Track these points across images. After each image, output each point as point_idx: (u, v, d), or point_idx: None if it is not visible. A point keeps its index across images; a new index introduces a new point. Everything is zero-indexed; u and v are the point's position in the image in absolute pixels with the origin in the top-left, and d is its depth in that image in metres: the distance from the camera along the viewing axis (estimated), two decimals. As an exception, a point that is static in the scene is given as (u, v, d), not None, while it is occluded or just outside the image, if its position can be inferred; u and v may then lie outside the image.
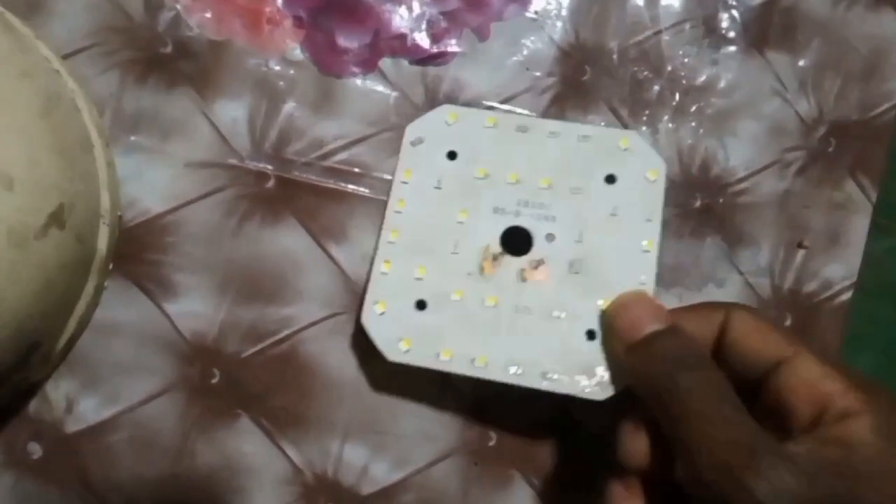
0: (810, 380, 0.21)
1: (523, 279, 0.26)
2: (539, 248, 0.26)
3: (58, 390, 0.27)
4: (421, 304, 0.26)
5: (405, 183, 0.27)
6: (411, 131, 0.27)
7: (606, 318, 0.25)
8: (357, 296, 0.28)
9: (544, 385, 0.25)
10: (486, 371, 0.25)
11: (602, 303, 0.25)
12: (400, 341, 0.25)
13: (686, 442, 0.20)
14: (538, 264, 0.26)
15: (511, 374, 0.25)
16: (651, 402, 0.22)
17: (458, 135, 0.27)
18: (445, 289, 0.26)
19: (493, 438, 0.28)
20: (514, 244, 0.26)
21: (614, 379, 0.25)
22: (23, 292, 0.22)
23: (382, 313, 0.25)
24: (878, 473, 0.19)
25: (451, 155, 0.27)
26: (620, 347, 0.23)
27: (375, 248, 0.26)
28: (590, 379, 0.25)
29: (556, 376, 0.25)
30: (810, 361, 0.21)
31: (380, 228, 0.26)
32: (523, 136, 0.27)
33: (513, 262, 0.26)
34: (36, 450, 0.27)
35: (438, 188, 0.27)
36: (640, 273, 0.26)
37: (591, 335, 0.25)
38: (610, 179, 0.27)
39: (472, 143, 0.27)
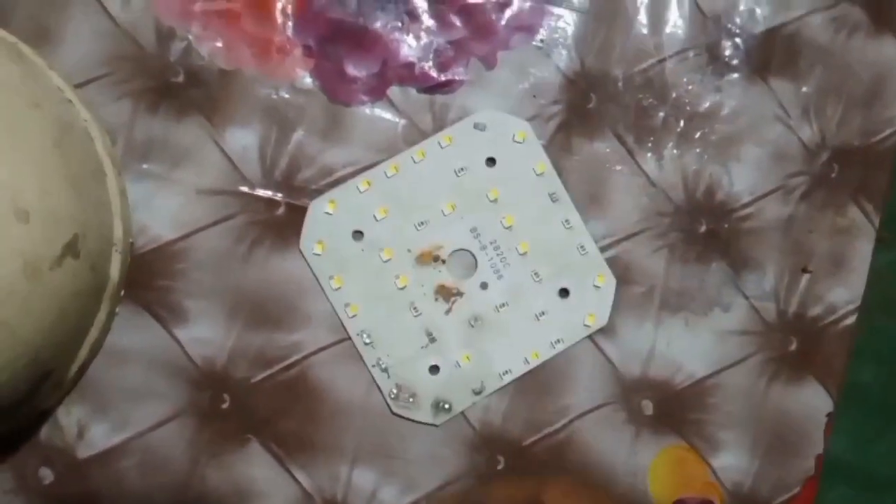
0: None
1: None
2: (483, 262, 0.28)
3: (69, 416, 0.27)
4: (434, 369, 0.28)
5: (340, 290, 0.28)
6: (305, 245, 0.28)
7: None
8: (365, 321, 0.28)
9: (559, 348, 0.28)
10: (512, 375, 0.28)
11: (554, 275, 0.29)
12: (439, 405, 0.28)
13: None
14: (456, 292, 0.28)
15: (531, 362, 0.28)
16: None
17: (347, 216, 0.28)
18: (443, 345, 0.28)
19: (500, 462, 0.28)
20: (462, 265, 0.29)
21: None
22: (38, 324, 0.22)
23: (411, 397, 0.28)
24: None
25: (357, 235, 0.28)
26: None
27: (364, 357, 0.28)
28: (586, 319, 0.29)
29: (562, 337, 0.28)
30: None
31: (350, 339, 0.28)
32: (399, 177, 0.28)
33: (471, 282, 0.28)
34: (47, 475, 0.27)
35: (369, 273, 0.28)
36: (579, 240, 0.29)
37: (564, 293, 0.29)
38: (490, 162, 0.29)
39: (365, 214, 0.28)
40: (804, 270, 0.30)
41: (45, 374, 0.24)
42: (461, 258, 0.28)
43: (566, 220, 0.29)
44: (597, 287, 0.29)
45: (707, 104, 0.30)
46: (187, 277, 0.28)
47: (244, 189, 0.28)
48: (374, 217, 0.28)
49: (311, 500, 0.28)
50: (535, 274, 0.28)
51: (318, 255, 0.28)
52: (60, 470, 0.27)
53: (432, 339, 0.28)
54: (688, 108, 0.30)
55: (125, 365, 0.27)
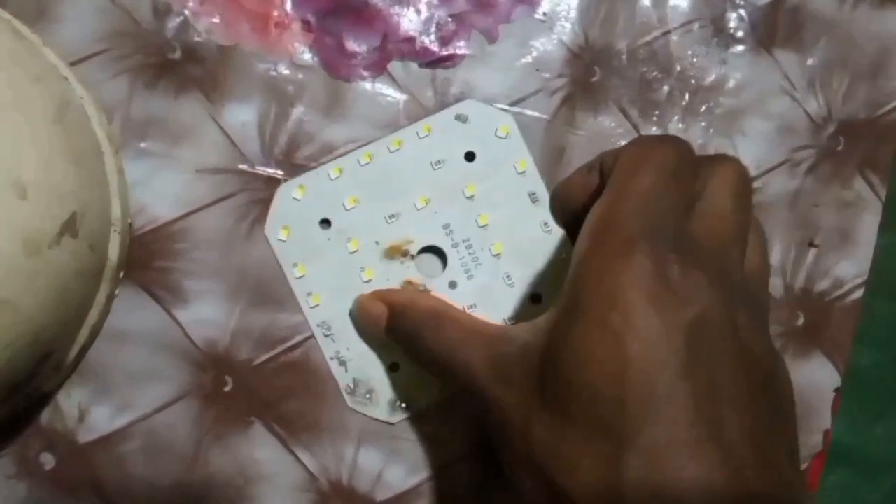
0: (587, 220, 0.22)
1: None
2: (453, 260, 0.27)
3: (70, 399, 0.27)
4: (394, 367, 0.27)
5: (303, 278, 0.27)
6: (271, 229, 0.27)
7: (358, 320, 0.27)
8: (369, 300, 0.28)
9: None
10: None
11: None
12: (396, 404, 0.28)
13: (458, 387, 0.25)
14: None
15: None
16: (418, 356, 0.25)
17: (315, 203, 0.27)
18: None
19: None
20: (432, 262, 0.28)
21: None
22: (40, 302, 0.22)
23: (368, 393, 0.27)
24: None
25: (325, 223, 0.27)
26: (379, 335, 0.26)
27: (322, 349, 0.28)
28: None
29: None
30: (608, 196, 0.22)
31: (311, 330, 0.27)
32: (372, 166, 0.27)
33: (439, 280, 0.27)
34: (49, 460, 0.27)
35: (335, 263, 0.27)
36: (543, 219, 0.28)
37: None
38: (469, 156, 0.27)
39: (334, 203, 0.27)
40: (811, 245, 0.30)
41: (45, 355, 0.24)
42: (431, 255, 0.28)
43: (545, 223, 0.28)
44: None
45: (712, 77, 0.30)
46: (187, 258, 0.27)
47: (244, 167, 0.27)
48: (344, 206, 0.27)
49: (315, 481, 0.27)
50: (507, 277, 0.27)
51: (283, 240, 0.27)
52: (62, 455, 0.27)
53: None
54: (693, 81, 0.29)
55: (126, 347, 0.27)
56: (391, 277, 0.27)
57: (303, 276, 0.27)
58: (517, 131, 0.27)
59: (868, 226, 0.30)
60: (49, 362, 0.24)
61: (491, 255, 0.27)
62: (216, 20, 0.27)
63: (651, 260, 0.20)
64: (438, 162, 0.27)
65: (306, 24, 0.28)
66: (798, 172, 0.30)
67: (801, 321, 0.30)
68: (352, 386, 0.27)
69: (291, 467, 0.27)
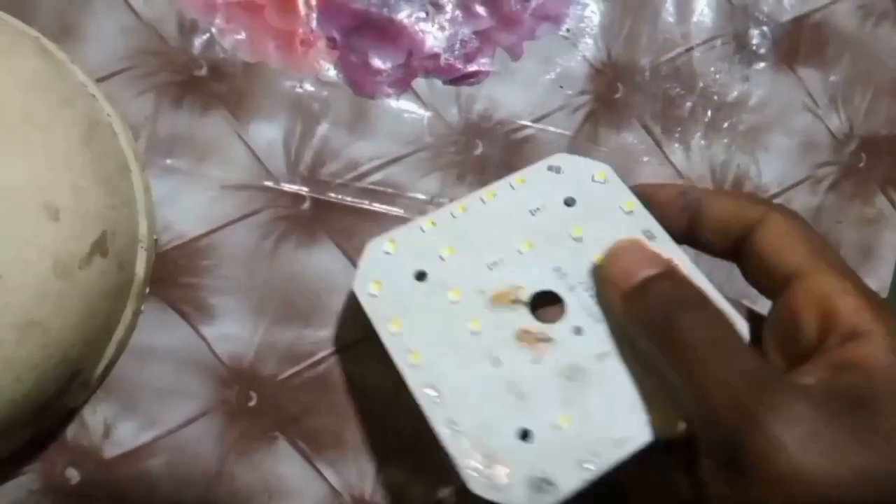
0: (820, 295, 0.20)
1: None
2: (573, 304, 0.24)
3: (95, 415, 0.27)
4: (525, 434, 0.22)
5: (399, 334, 0.23)
6: (360, 287, 0.24)
7: (599, 270, 0.23)
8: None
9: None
10: (633, 445, 0.22)
11: None
12: (536, 483, 0.21)
13: (693, 385, 0.19)
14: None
15: (625, 444, 0.22)
16: (653, 349, 0.20)
17: (408, 256, 0.24)
18: (533, 402, 0.22)
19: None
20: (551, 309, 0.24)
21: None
22: (68, 322, 0.22)
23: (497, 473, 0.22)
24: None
25: (420, 276, 0.24)
26: (616, 297, 0.22)
27: (431, 420, 0.23)
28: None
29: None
30: (826, 275, 0.20)
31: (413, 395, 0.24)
32: (467, 217, 0.25)
33: (562, 326, 0.23)
34: (74, 475, 0.27)
35: (435, 315, 0.23)
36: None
37: None
38: (569, 202, 0.25)
39: (429, 254, 0.24)
40: (833, 261, 0.30)
41: (73, 374, 0.24)
42: (545, 300, 0.24)
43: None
44: None
45: (735, 93, 0.30)
46: (213, 274, 0.27)
47: (269, 184, 0.28)
48: (440, 257, 0.24)
49: (339, 497, 0.27)
50: None
51: (374, 295, 0.24)
52: (87, 470, 0.27)
53: (519, 396, 0.22)
54: (715, 97, 0.29)
55: (151, 363, 0.27)
56: (503, 326, 0.23)
57: (399, 332, 0.23)
58: (615, 176, 0.25)
59: (889, 243, 0.30)
60: (77, 380, 0.24)
61: None
62: (242, 37, 0.27)
63: None
64: (537, 209, 0.25)
65: (331, 42, 0.28)
66: (820, 189, 0.30)
67: (822, 338, 0.30)
68: (478, 465, 0.22)
69: (315, 483, 0.27)
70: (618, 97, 0.29)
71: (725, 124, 0.30)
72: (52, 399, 0.24)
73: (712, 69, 0.30)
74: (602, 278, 0.23)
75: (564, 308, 0.23)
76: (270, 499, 0.27)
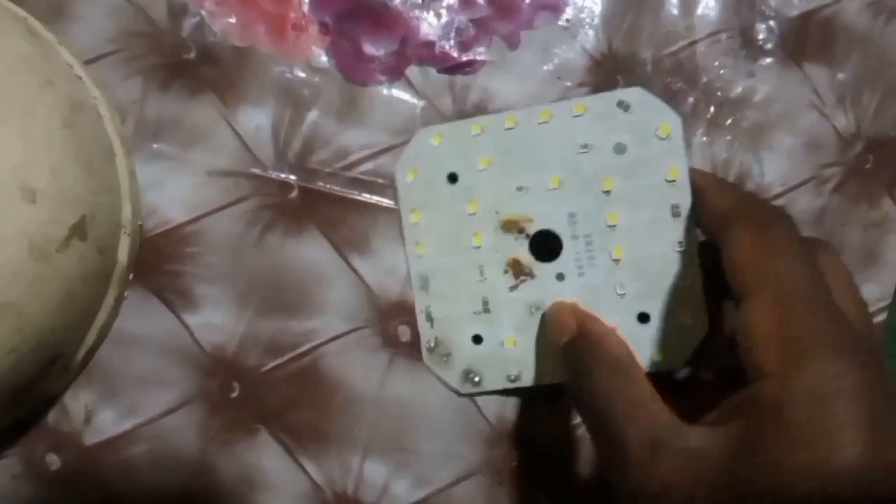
0: (746, 325, 0.19)
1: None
2: (568, 252, 0.25)
3: (77, 401, 0.26)
4: (477, 339, 0.27)
5: (416, 224, 0.26)
6: (402, 168, 0.26)
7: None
8: (380, 310, 0.27)
9: None
10: (552, 379, 0.26)
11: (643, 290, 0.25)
12: (469, 375, 0.27)
13: (598, 438, 0.22)
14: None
15: (545, 377, 0.26)
16: (576, 390, 0.23)
17: (449, 155, 0.26)
18: (495, 319, 0.26)
19: (516, 458, 0.28)
20: (545, 247, 0.26)
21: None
22: (45, 306, 0.21)
23: (446, 356, 0.27)
24: (771, 457, 0.18)
25: (452, 178, 0.26)
26: (555, 344, 0.25)
27: (416, 299, 0.27)
28: (657, 355, 0.25)
29: None
30: (758, 305, 0.19)
31: (407, 273, 0.27)
32: (515, 132, 0.26)
33: (548, 268, 0.26)
34: (55, 461, 0.26)
35: (451, 219, 0.26)
36: (676, 237, 0.25)
37: (644, 318, 0.25)
38: (619, 149, 0.25)
39: (467, 159, 0.26)
40: (835, 265, 0.29)
41: (52, 359, 0.23)
42: (546, 239, 0.26)
43: (679, 242, 0.25)
44: (682, 325, 0.25)
45: (739, 89, 0.29)
46: (198, 261, 0.27)
47: (257, 171, 0.27)
48: (475, 165, 0.26)
49: (320, 492, 0.27)
50: (620, 286, 0.25)
51: (409, 182, 0.26)
52: (68, 456, 0.26)
53: (486, 310, 0.26)
54: (719, 93, 0.29)
55: (133, 350, 0.27)
56: (500, 250, 0.26)
57: (417, 223, 0.26)
58: (680, 135, 0.25)
59: (894, 247, 0.29)
60: (56, 365, 0.24)
61: (609, 258, 0.25)
62: (232, 21, 0.27)
63: (861, 371, 0.18)
64: (584, 146, 0.25)
65: (323, 27, 0.27)
66: (825, 190, 0.29)
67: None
68: (432, 344, 0.27)
69: (297, 477, 0.27)
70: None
71: (728, 121, 0.29)
72: (30, 383, 0.23)
73: (716, 64, 0.29)
74: (547, 327, 0.25)
75: (560, 252, 0.26)
76: (251, 491, 0.27)
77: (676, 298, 0.25)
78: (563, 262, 0.25)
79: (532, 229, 0.26)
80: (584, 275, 0.25)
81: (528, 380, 0.26)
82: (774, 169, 0.29)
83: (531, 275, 0.26)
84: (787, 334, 0.19)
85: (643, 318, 0.25)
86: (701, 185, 0.24)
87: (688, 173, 0.24)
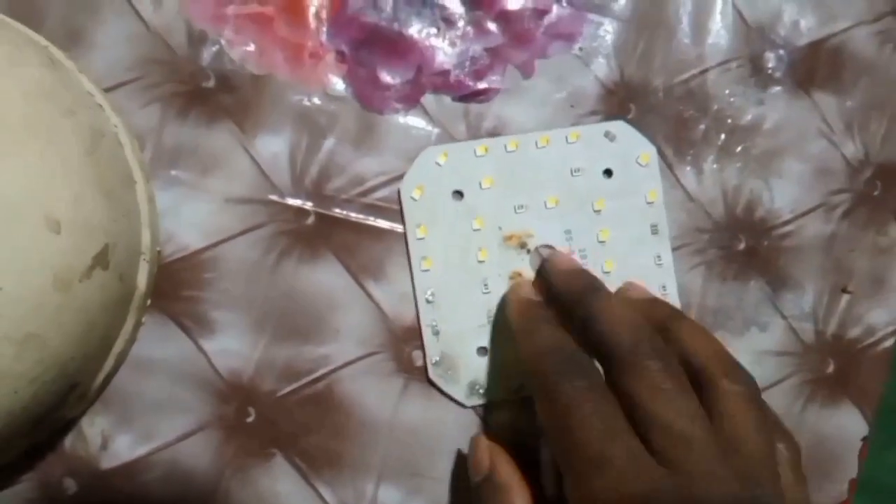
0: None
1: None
2: None
3: (93, 426, 0.27)
4: (483, 351, 0.28)
5: (422, 240, 0.27)
6: (407, 185, 0.27)
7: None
8: (394, 335, 0.27)
9: None
10: None
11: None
12: (475, 388, 0.27)
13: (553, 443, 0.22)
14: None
15: None
16: None
17: (454, 173, 0.27)
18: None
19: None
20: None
21: None
22: (67, 336, 0.22)
23: (451, 369, 0.27)
24: None
25: (457, 195, 0.27)
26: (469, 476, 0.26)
27: (417, 310, 0.28)
28: None
29: None
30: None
31: (413, 291, 0.27)
32: (517, 155, 0.28)
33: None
34: (71, 486, 0.26)
35: (456, 234, 0.27)
36: (656, 250, 0.28)
37: None
38: (607, 173, 0.28)
39: (471, 178, 0.28)
40: (844, 291, 0.29)
41: (71, 387, 0.24)
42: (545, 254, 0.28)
43: (658, 256, 0.28)
44: None
45: (749, 117, 0.29)
46: (214, 287, 0.27)
47: (273, 198, 0.27)
48: (480, 184, 0.27)
49: (336, 515, 0.27)
50: None
51: (415, 199, 0.27)
52: (84, 481, 0.26)
53: (490, 322, 0.28)
54: (729, 120, 0.29)
55: (150, 376, 0.27)
56: (503, 264, 0.28)
57: (423, 239, 0.27)
58: (657, 163, 0.28)
59: (903, 273, 0.30)
60: (75, 392, 0.24)
61: (601, 271, 0.28)
62: (251, 48, 0.27)
63: None
64: (578, 170, 0.28)
65: (340, 55, 0.28)
66: (833, 217, 0.29)
67: (831, 368, 0.29)
68: (437, 358, 0.27)
69: (311, 502, 0.27)
70: (630, 118, 0.29)
71: (739, 148, 0.29)
72: (49, 411, 0.23)
73: (727, 92, 0.29)
74: (469, 459, 0.26)
75: None
76: (266, 516, 0.27)
77: None
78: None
79: (532, 244, 0.28)
80: None
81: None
82: (784, 195, 0.29)
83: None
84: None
85: None
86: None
87: (663, 197, 0.28)
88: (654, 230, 0.28)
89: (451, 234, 0.27)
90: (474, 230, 0.27)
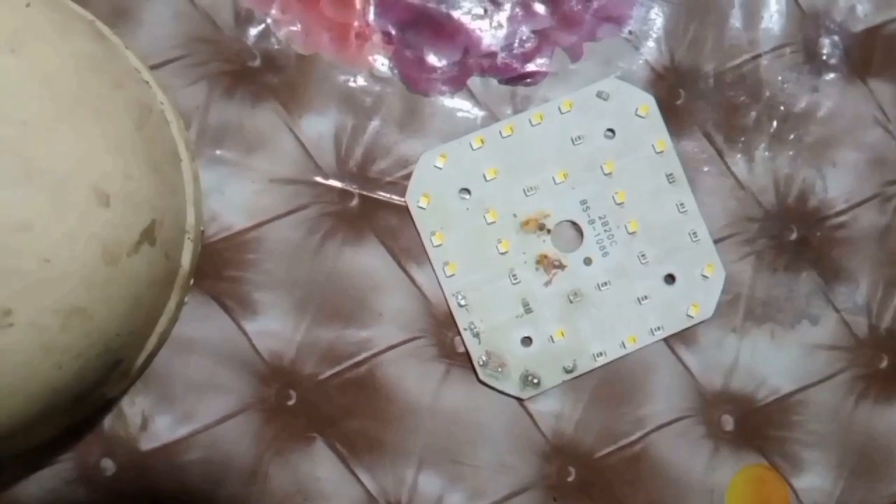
0: None
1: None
2: (589, 236, 0.27)
3: (133, 406, 0.26)
4: (527, 341, 0.27)
5: (440, 246, 0.27)
6: (413, 195, 0.27)
7: None
8: (437, 320, 0.27)
9: (658, 336, 0.27)
10: (607, 357, 0.27)
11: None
12: (528, 378, 0.27)
13: None
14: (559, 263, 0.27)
15: (628, 347, 0.27)
16: None
17: (456, 172, 0.27)
18: (538, 316, 0.27)
19: (572, 474, 0.27)
20: (568, 238, 0.28)
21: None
22: (113, 311, 0.21)
23: (500, 366, 0.27)
24: None
25: (464, 193, 0.27)
26: None
27: (452, 316, 0.27)
28: (690, 309, 0.27)
29: (663, 324, 0.27)
30: None
31: (444, 299, 0.27)
32: (513, 139, 0.27)
33: (575, 255, 0.27)
34: (109, 466, 0.26)
35: (473, 232, 0.27)
36: (678, 197, 0.28)
37: (670, 279, 0.27)
38: (609, 134, 0.27)
39: (474, 173, 0.27)
40: (899, 284, 0.28)
41: (114, 364, 0.23)
42: (567, 230, 0.27)
43: (681, 204, 0.27)
44: (705, 277, 0.27)
45: (802, 104, 0.28)
46: (257, 268, 0.27)
47: (318, 179, 0.27)
48: (484, 177, 0.27)
49: (374, 502, 0.27)
50: (642, 255, 0.27)
51: (423, 208, 0.27)
52: (122, 462, 0.26)
53: (528, 310, 0.27)
54: (782, 107, 0.28)
55: (191, 356, 0.26)
56: (527, 250, 0.27)
57: (441, 245, 0.27)
58: (657, 111, 0.27)
59: (961, 267, 0.29)
60: (117, 369, 0.24)
61: (627, 232, 0.27)
62: (296, 28, 0.27)
63: None
64: (578, 137, 0.27)
65: (387, 36, 0.27)
66: (889, 208, 0.28)
67: (884, 363, 0.28)
68: (484, 358, 0.27)
69: (351, 487, 0.27)
70: (679, 103, 0.28)
71: (791, 136, 0.28)
72: (91, 388, 0.23)
73: (780, 78, 0.28)
74: None
75: (582, 238, 0.27)
76: (305, 501, 0.27)
77: (693, 253, 0.27)
78: (588, 247, 0.27)
79: (551, 223, 0.27)
80: (608, 254, 0.27)
81: (584, 367, 0.27)
82: (838, 185, 0.28)
83: (561, 266, 0.27)
84: None
85: (670, 279, 0.27)
86: None
87: (672, 144, 0.27)
88: (671, 179, 0.27)
89: (467, 234, 0.27)
90: (489, 224, 0.27)
